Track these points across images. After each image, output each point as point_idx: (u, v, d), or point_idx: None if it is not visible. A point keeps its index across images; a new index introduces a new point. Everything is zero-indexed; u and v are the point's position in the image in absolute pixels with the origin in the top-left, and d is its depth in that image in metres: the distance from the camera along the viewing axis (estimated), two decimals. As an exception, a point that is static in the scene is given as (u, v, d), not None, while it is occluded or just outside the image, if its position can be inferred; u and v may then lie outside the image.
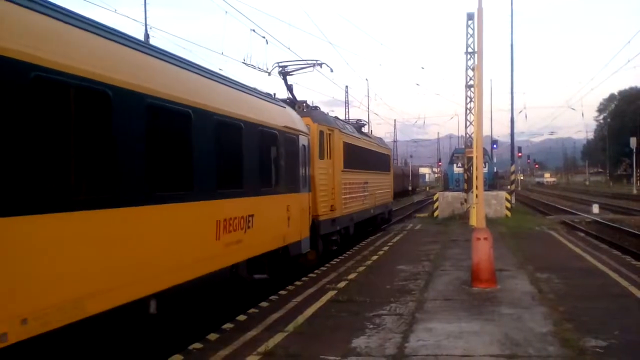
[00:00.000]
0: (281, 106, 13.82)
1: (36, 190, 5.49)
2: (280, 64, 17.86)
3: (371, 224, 24.35)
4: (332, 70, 19.99)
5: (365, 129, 25.60)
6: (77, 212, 6.07)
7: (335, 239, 17.65)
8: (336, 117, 21.14)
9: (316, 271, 14.06)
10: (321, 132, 16.38)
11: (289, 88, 17.86)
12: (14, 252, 5.23)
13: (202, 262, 8.85)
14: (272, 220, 11.97)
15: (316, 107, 18.27)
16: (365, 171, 21.94)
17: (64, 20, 6.36)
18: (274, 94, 15.27)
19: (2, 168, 5.11)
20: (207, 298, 9.50)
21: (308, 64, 18.26)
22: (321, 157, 16.30)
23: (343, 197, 18.27)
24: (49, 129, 5.70)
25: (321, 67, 18.55)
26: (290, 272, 13.55)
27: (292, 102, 16.86)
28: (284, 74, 17.83)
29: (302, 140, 14.18)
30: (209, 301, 9.64)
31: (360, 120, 26.05)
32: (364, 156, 22.08)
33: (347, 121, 23.28)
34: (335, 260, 15.98)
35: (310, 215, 14.87)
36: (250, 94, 11.88)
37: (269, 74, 18.66)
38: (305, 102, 17.78)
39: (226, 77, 11.13)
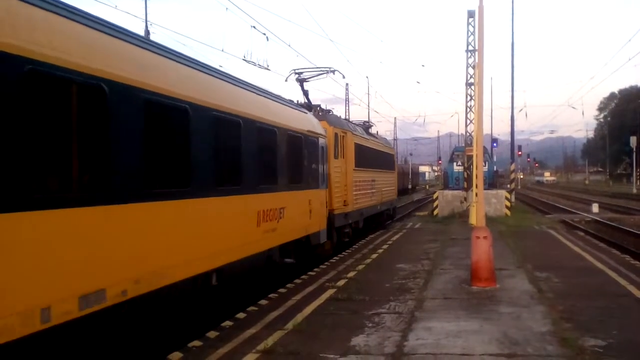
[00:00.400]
0: (304, 112, 15.60)
1: (152, 183, 7.51)
2: (297, 71, 19.30)
3: (378, 219, 25.63)
4: (344, 77, 21.29)
5: (371, 130, 26.90)
6: (170, 201, 7.98)
7: (347, 232, 19.23)
8: (347, 120, 23.09)
9: (315, 269, 14.08)
10: (336, 135, 18.01)
11: (305, 93, 19.50)
12: (131, 234, 7.06)
13: (247, 246, 10.56)
14: (298, 213, 13.64)
15: (329, 111, 19.73)
16: (373, 170, 23.30)
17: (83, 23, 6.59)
18: (299, 102, 17.87)
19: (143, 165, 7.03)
20: (249, 277, 11.21)
21: (322, 71, 19.79)
22: (336, 157, 17.81)
23: (354, 193, 19.67)
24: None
25: (334, 74, 20.45)
26: (311, 259, 15.20)
27: (308, 106, 18.39)
28: (301, 80, 19.37)
29: (321, 142, 15.80)
30: (250, 280, 11.33)
31: (367, 121, 27.79)
32: (372, 156, 23.56)
33: (356, 123, 24.42)
34: (335, 258, 16.00)
35: (327, 209, 16.46)
36: (281, 103, 13.70)
37: (289, 77, 19.17)
38: (319, 106, 19.41)
39: (264, 89, 12.82)
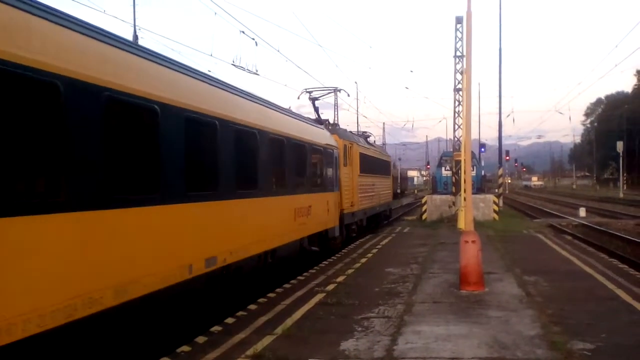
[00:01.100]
0: (322, 129, 19.07)
1: (241, 186, 10.78)
2: (308, 90, 23.00)
3: (377, 218, 29.10)
4: (348, 95, 27.17)
5: (370, 139, 30.55)
6: (240, 200, 10.77)
7: (354, 228, 22.39)
8: (351, 132, 26.43)
9: (305, 274, 14.06)
10: (345, 146, 21.07)
11: (316, 109, 23.17)
12: (230, 219, 10.18)
13: (288, 234, 13.84)
14: (320, 211, 16.94)
15: (336, 124, 23.32)
16: (373, 175, 26.64)
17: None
18: (326, 121, 22.03)
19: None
20: (289, 258, 14.38)
21: (329, 90, 24.42)
22: (345, 164, 20.93)
23: (359, 195, 22.86)
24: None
25: (340, 92, 25.26)
26: (328, 249, 18.28)
27: (319, 121, 21.36)
28: (312, 99, 22.99)
29: (335, 153, 18.98)
30: (289, 261, 14.49)
31: (365, 132, 32.09)
32: (372, 163, 26.78)
33: (355, 133, 28.29)
34: (324, 262, 15.99)
35: (339, 209, 19.65)
36: (307, 123, 17.24)
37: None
38: (327, 120, 22.52)
39: (296, 113, 16.65)
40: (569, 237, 23.20)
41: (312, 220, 15.88)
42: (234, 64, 19.78)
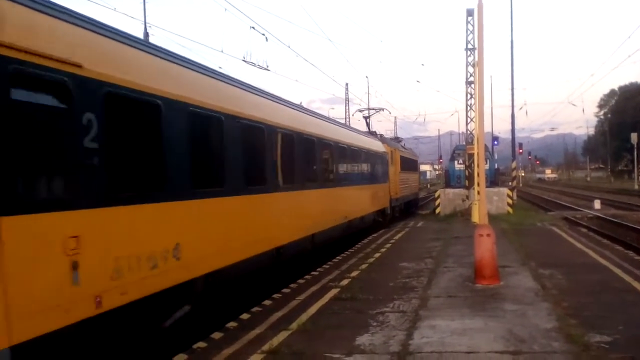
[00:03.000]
0: (378, 140, 27.51)
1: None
2: (360, 110, 35.95)
3: (409, 204, 36.53)
4: (389, 113, 36.32)
5: (401, 143, 38.77)
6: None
7: (396, 209, 30.17)
8: (390, 138, 36.00)
9: (319, 269, 14.07)
10: (391, 151, 29.36)
11: (368, 125, 33.33)
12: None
13: (369, 209, 22.46)
14: (381, 196, 25.35)
15: (382, 135, 31.85)
16: (407, 172, 34.59)
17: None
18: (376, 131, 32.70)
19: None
20: (370, 223, 22.98)
21: (376, 110, 37.12)
22: (391, 165, 28.61)
23: (400, 187, 30.79)
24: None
25: (383, 110, 38.43)
26: (384, 222, 26.00)
27: (371, 133, 30.47)
28: (365, 117, 34.07)
29: (385, 157, 27.10)
30: (370, 225, 22.95)
31: (398, 137, 41.62)
32: (407, 162, 34.72)
33: (390, 138, 36.76)
34: (338, 257, 16.00)
35: (389, 196, 27.66)
36: (369, 138, 25.80)
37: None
38: (375, 131, 32.23)
39: (364, 131, 27.31)
40: (584, 230, 23.05)
41: (378, 201, 24.53)
42: (245, 59, 19.82)
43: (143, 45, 8.04)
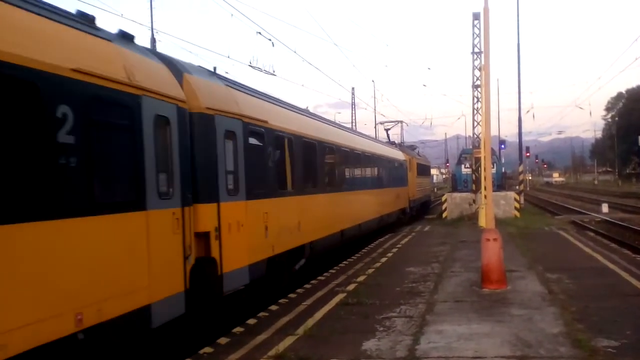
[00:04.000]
0: (398, 150, 33.07)
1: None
2: (382, 123, 42.14)
3: (422, 204, 40.33)
4: (407, 125, 42.88)
5: (415, 150, 44.91)
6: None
7: (414, 209, 34.62)
8: (408, 146, 42.35)
9: (325, 274, 14.07)
10: (409, 159, 34.28)
11: (388, 136, 39.74)
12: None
13: (391, 207, 26.60)
14: (402, 196, 29.90)
15: (400, 144, 38.61)
16: (422, 176, 39.51)
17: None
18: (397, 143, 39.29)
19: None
20: (392, 221, 27.17)
21: (395, 122, 42.80)
22: (409, 171, 33.32)
23: (416, 189, 35.52)
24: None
25: (402, 123, 44.92)
26: (404, 219, 30.86)
27: (391, 143, 36.51)
28: (386, 129, 39.98)
29: (404, 164, 32.00)
30: (392, 223, 27.28)
31: (413, 145, 48.04)
32: (421, 168, 39.69)
33: (407, 145, 43.53)
34: (344, 262, 16.00)
35: (408, 198, 32.13)
36: (393, 148, 32.11)
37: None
38: (394, 141, 38.33)
39: (389, 142, 35.41)
40: (592, 234, 22.95)
41: (400, 202, 29.27)
42: (251, 65, 19.86)
43: (282, 102, 14.04)
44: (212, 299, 8.99)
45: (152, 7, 29.40)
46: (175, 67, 8.91)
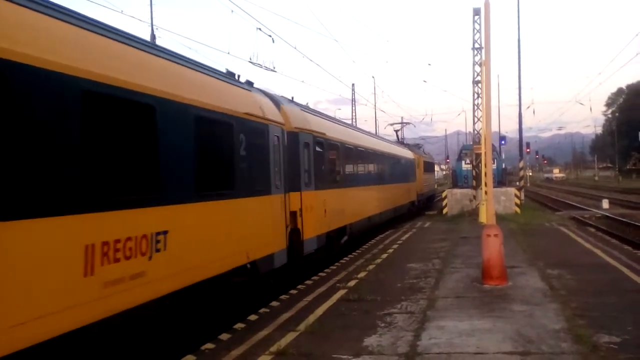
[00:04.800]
0: (410, 150, 37.06)
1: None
2: (392, 124, 47.21)
3: (428, 198, 44.14)
4: (414, 126, 49.51)
5: (421, 149, 48.22)
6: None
7: (421, 202, 38.48)
8: (416, 145, 44.89)
9: (326, 270, 14.08)
10: (417, 158, 37.99)
11: (398, 137, 43.53)
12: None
13: (402, 200, 30.35)
14: (412, 190, 33.87)
15: (408, 144, 41.65)
16: (428, 173, 43.46)
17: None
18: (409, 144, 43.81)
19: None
20: (403, 211, 30.94)
21: (404, 123, 47.31)
22: (417, 168, 36.90)
23: (423, 184, 39.08)
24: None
25: (409, 124, 48.87)
26: (413, 210, 34.29)
27: (401, 143, 40.60)
28: (396, 130, 44.50)
29: (414, 162, 35.95)
30: (404, 212, 31.13)
31: (418, 144, 49.71)
32: (427, 165, 43.58)
33: (413, 144, 44.80)
34: (345, 258, 16.01)
35: (416, 192, 35.67)
36: (402, 147, 35.38)
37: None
38: (403, 141, 42.13)
39: (400, 142, 40.43)
40: (592, 230, 22.96)
41: (410, 195, 33.15)
42: (251, 61, 19.83)
43: (332, 118, 20.14)
44: (298, 257, 13.08)
45: (152, 3, 29.32)
46: (275, 100, 13.16)
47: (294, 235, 12.78)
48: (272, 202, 11.29)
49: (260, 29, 20.14)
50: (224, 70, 11.13)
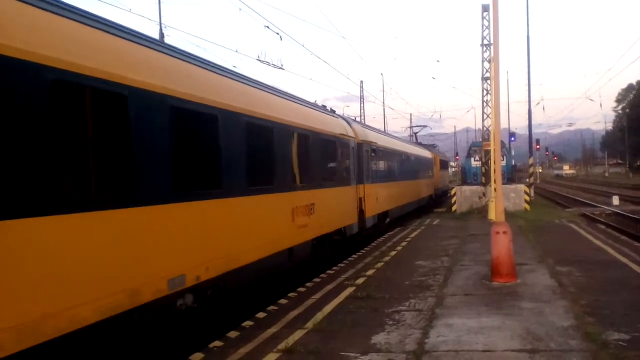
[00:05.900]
0: (428, 150, 42.22)
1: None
2: (411, 126, 55.89)
3: (444, 193, 48.31)
4: (431, 129, 54.36)
5: (436, 148, 52.63)
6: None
7: (438, 196, 43.48)
8: (432, 145, 49.72)
9: (334, 267, 14.08)
10: (434, 157, 42.10)
11: (416, 138, 50.12)
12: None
13: (423, 194, 35.32)
14: (430, 185, 39.29)
15: (424, 144, 46.20)
16: (442, 170, 48.01)
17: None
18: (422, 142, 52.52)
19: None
20: (425, 203, 36.61)
21: (422, 126, 54.40)
22: (434, 166, 41.13)
23: (439, 180, 43.98)
24: None
25: (426, 127, 56.00)
26: (431, 203, 39.06)
27: (420, 144, 43.94)
28: (414, 133, 51.82)
29: (432, 161, 40.62)
30: (425, 204, 36.76)
31: (434, 144, 54.00)
32: (442, 163, 48.77)
33: (428, 145, 48.34)
34: (354, 255, 16.00)
35: (434, 187, 40.54)
36: (422, 148, 40.56)
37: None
38: (420, 142, 46.81)
39: (420, 143, 46.75)
40: (602, 226, 22.82)
41: (429, 190, 37.89)
42: (259, 59, 19.86)
43: (377, 129, 28.53)
44: (362, 229, 18.55)
45: (161, 1, 29.39)
46: (348, 121, 19.03)
47: (361, 214, 18.37)
48: (352, 190, 17.50)
49: (268, 26, 20.29)
50: (275, 86, 13.91)
